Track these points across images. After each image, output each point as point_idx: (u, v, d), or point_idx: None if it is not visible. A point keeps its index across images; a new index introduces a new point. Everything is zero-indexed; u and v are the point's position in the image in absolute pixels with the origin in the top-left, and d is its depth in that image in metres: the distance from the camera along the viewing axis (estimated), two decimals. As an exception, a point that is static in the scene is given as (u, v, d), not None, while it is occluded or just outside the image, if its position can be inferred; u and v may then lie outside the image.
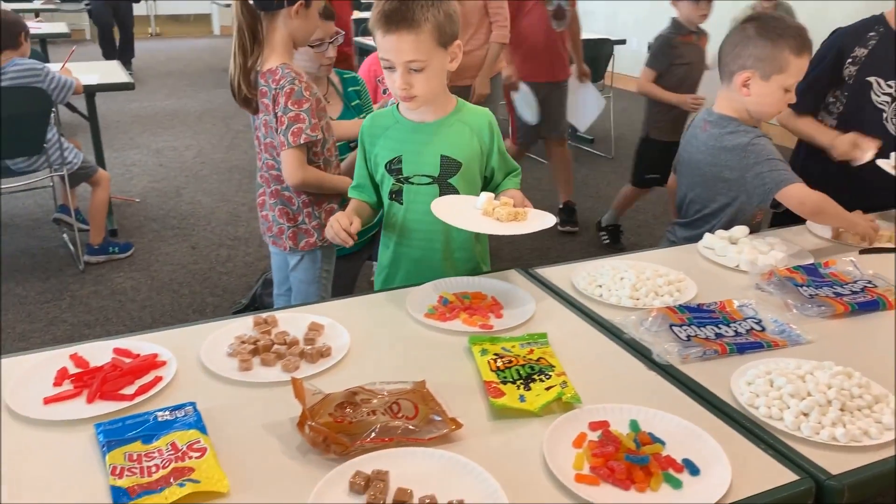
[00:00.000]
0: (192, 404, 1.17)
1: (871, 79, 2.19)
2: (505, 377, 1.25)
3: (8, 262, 3.77)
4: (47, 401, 1.19)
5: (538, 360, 1.30)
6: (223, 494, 0.99)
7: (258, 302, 3.26)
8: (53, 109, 3.53)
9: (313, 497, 0.97)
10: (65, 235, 4.01)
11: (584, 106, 4.53)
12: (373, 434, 1.09)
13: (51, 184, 4.01)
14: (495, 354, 1.32)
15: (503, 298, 1.55)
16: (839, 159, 2.13)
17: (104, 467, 1.04)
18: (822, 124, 2.31)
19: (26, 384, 1.23)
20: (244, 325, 1.43)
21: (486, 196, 1.59)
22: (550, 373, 1.26)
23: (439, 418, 1.12)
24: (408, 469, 1.03)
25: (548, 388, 1.22)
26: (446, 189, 1.70)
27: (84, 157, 3.73)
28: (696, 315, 1.46)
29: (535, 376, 1.25)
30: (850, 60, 2.21)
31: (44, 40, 6.01)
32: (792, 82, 1.89)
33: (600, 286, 1.60)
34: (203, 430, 1.11)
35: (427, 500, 0.97)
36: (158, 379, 1.25)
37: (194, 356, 1.32)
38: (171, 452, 1.06)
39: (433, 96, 1.64)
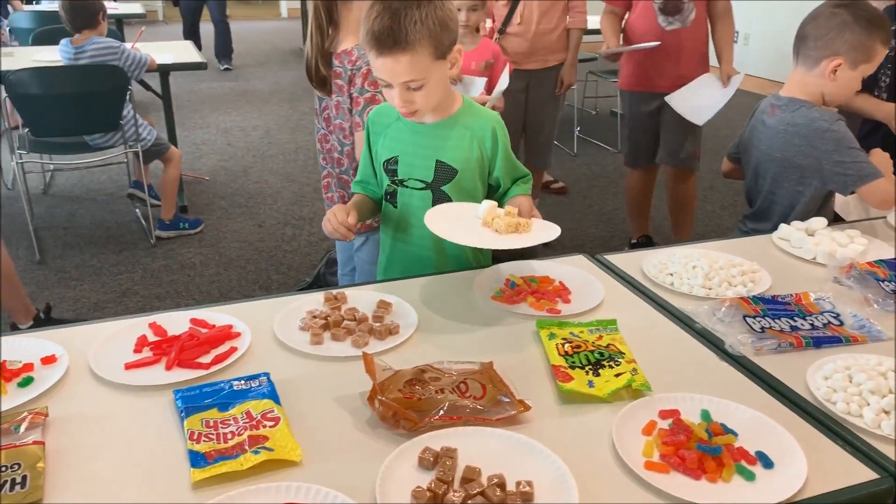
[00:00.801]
0: (266, 375, 1.20)
1: None
2: (573, 362, 1.25)
3: (84, 234, 3.92)
4: (128, 366, 1.23)
5: (607, 346, 1.29)
6: (296, 463, 1.02)
7: (322, 280, 3.32)
8: (129, 87, 3.63)
9: (383, 470, 0.99)
10: (137, 210, 4.14)
11: (704, 95, 3.13)
12: (441, 412, 1.10)
13: (125, 160, 4.14)
14: (563, 339, 1.31)
15: (571, 283, 1.54)
16: None
17: (182, 432, 1.08)
18: (876, 98, 2.38)
19: (108, 350, 1.27)
20: (315, 300, 1.46)
21: (487, 205, 1.49)
22: (620, 360, 1.25)
23: (507, 399, 1.13)
24: (476, 448, 1.04)
25: (617, 375, 1.20)
26: (439, 196, 1.63)
27: (157, 135, 3.84)
28: (771, 307, 1.43)
29: (605, 362, 1.24)
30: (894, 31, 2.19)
31: (119, 20, 6.18)
32: (871, 72, 1.83)
33: (671, 274, 1.57)
34: (277, 400, 1.14)
35: (495, 480, 0.97)
36: (233, 350, 1.28)
37: (267, 329, 1.36)
38: (246, 420, 1.09)
39: (434, 105, 1.56)
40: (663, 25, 3.03)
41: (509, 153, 1.65)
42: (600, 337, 1.33)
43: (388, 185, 1.68)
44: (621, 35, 3.29)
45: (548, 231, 1.47)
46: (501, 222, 1.43)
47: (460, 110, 1.62)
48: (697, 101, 3.07)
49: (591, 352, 1.27)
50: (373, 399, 1.11)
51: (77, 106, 3.50)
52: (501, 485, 0.97)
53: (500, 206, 1.62)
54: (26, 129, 3.59)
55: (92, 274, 3.49)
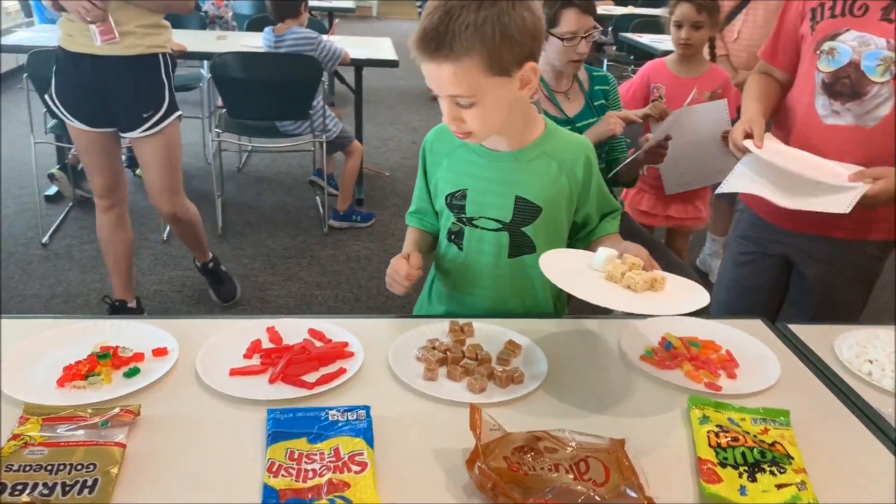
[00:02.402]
0: (367, 409, 1.08)
1: None
2: (726, 458, 1.02)
3: (266, 214, 4.09)
4: (233, 372, 1.17)
5: (773, 444, 1.05)
6: (372, 523, 0.89)
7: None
8: (322, 79, 3.72)
9: (466, 555, 0.83)
10: (318, 198, 4.26)
11: None
12: (549, 495, 0.92)
13: (312, 148, 4.28)
14: (718, 426, 1.08)
15: (740, 354, 1.29)
16: None
17: (264, 458, 0.99)
18: None
19: (219, 350, 1.22)
20: (439, 328, 1.33)
21: (606, 254, 1.23)
22: (786, 465, 1.00)
23: (633, 494, 0.93)
24: (583, 550, 0.86)
25: (779, 487, 0.96)
26: (518, 239, 1.40)
27: (343, 127, 3.91)
28: None
29: (766, 465, 1.00)
30: None
31: (331, 13, 6.46)
32: None
33: (871, 362, 1.28)
34: (370, 441, 1.02)
35: None
36: (342, 371, 1.18)
37: (382, 352, 1.24)
38: (332, 459, 0.98)
39: (494, 130, 1.32)
40: (822, 115, 1.67)
41: (602, 185, 1.45)
42: (766, 430, 1.08)
43: (454, 223, 1.43)
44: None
45: (695, 294, 1.17)
46: (637, 278, 1.17)
47: (542, 136, 1.39)
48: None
49: (751, 448, 1.03)
50: (472, 463, 0.96)
51: (272, 92, 3.64)
52: None
53: (583, 245, 1.45)
54: (224, 110, 3.79)
55: (265, 254, 3.62)
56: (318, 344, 1.26)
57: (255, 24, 4.84)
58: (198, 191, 4.36)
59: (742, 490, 0.96)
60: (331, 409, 1.08)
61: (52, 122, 3.62)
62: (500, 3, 1.18)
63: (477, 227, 1.41)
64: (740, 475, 0.99)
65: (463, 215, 1.42)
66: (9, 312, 1.25)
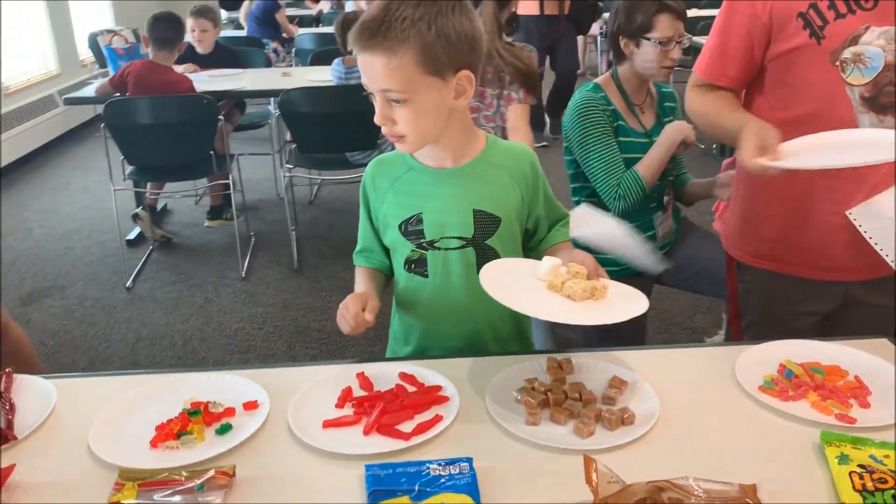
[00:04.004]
0: (469, 461, 1.01)
1: None
2: (875, 503, 0.91)
3: (339, 246, 4.08)
4: (326, 424, 1.12)
5: (928, 486, 0.93)
6: (486, 592, 0.82)
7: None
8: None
9: None
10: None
11: None
12: (681, 554, 0.83)
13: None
14: (861, 465, 0.97)
15: (870, 379, 1.17)
16: None
17: (366, 519, 0.93)
18: None
19: (310, 401, 1.18)
20: (537, 366, 1.25)
21: (550, 263, 1.21)
22: (949, 512, 0.89)
23: (776, 552, 0.83)
24: None
25: (944, 537, 0.85)
26: (484, 252, 1.34)
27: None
28: None
29: (923, 512, 0.89)
30: None
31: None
32: None
33: None
34: (476, 497, 0.95)
35: None
36: (438, 418, 1.12)
37: (478, 395, 1.18)
38: (438, 519, 0.91)
39: (428, 139, 1.28)
40: (860, 109, 1.40)
41: (549, 191, 1.42)
42: (915, 469, 0.97)
43: (413, 250, 1.37)
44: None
45: (635, 302, 1.18)
46: (576, 287, 1.15)
47: (486, 149, 1.36)
48: None
49: (903, 492, 0.92)
50: (591, 519, 0.88)
51: (340, 124, 3.65)
52: None
53: (536, 255, 1.38)
54: (294, 145, 3.82)
55: (340, 286, 3.61)
56: (411, 389, 1.20)
57: (319, 59, 4.90)
58: (272, 226, 4.42)
59: (899, 542, 0.85)
60: (431, 462, 1.01)
61: (129, 169, 3.72)
62: (439, 4, 1.19)
63: (440, 248, 1.36)
64: (895, 524, 0.88)
65: (423, 240, 1.36)
66: (97, 359, 1.23)
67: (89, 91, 4.24)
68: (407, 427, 1.11)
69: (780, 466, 1.01)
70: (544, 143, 5.70)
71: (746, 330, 1.57)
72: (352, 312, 1.27)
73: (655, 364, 1.26)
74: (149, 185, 4.09)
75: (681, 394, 1.17)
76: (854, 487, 0.94)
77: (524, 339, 1.48)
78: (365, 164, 3.90)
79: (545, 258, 1.24)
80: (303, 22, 7.61)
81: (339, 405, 1.17)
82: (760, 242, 1.49)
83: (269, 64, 5.15)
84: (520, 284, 1.22)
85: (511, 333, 1.44)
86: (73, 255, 4.07)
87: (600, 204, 2.09)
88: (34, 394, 1.22)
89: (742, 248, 1.53)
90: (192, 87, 3.77)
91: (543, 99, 5.63)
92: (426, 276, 1.38)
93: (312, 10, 8.36)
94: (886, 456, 0.99)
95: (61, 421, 1.16)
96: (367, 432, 1.10)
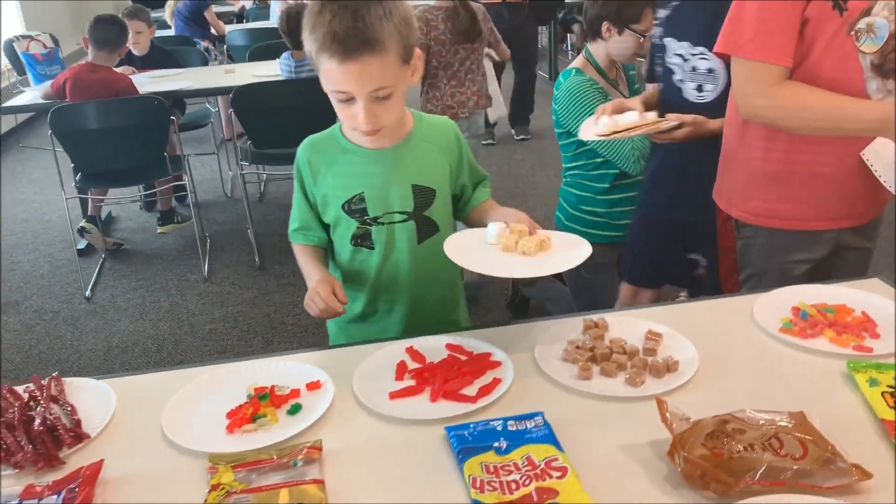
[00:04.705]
0: (541, 414, 1.09)
1: (667, 40, 1.94)
2: (910, 417, 1.03)
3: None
4: (393, 395, 1.17)
5: (949, 397, 1.06)
6: (594, 526, 0.89)
7: (518, 292, 3.21)
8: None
9: (702, 545, 0.84)
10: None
11: None
12: (758, 475, 0.93)
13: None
14: (890, 386, 1.09)
15: (875, 314, 1.30)
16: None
17: (460, 475, 0.99)
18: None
19: (370, 377, 1.22)
20: (573, 326, 1.33)
21: (497, 228, 1.33)
22: (974, 417, 1.01)
23: (842, 464, 0.94)
24: (812, 524, 0.87)
25: (974, 437, 0.98)
26: (424, 224, 1.46)
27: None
28: None
29: (952, 419, 1.01)
30: (656, 21, 2.00)
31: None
32: None
33: None
34: (558, 445, 1.02)
35: (851, 570, 0.80)
36: (497, 381, 1.19)
37: (526, 358, 1.25)
38: (528, 468, 0.98)
39: (396, 120, 1.37)
40: (875, 98, 1.50)
41: (471, 156, 1.53)
42: (934, 385, 1.09)
43: (358, 227, 1.44)
44: None
45: (580, 245, 1.33)
46: (529, 244, 1.29)
47: (415, 125, 1.45)
48: None
49: (931, 405, 1.04)
50: (673, 454, 0.96)
51: (295, 117, 3.63)
52: (860, 578, 0.79)
53: (464, 216, 1.54)
54: (248, 142, 3.79)
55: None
56: (463, 357, 1.27)
57: (258, 54, 4.84)
58: (224, 225, 4.37)
59: (938, 446, 0.97)
60: (508, 419, 1.08)
61: (79, 176, 3.62)
62: None
63: (383, 223, 1.44)
64: (930, 431, 1.00)
65: (367, 217, 1.43)
66: (69, 370, 1.25)
67: (22, 99, 4.10)
68: (470, 391, 1.17)
69: (815, 395, 1.12)
70: (491, 143, 5.56)
71: (745, 283, 1.69)
72: (323, 296, 1.31)
73: (677, 318, 1.36)
74: (90, 191, 3.97)
75: (710, 341, 1.27)
76: (889, 405, 1.05)
77: (456, 295, 1.60)
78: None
79: (491, 224, 1.35)
80: (225, 19, 7.47)
81: (399, 378, 1.22)
82: (764, 202, 1.61)
83: (205, 62, 5.06)
84: (481, 252, 1.32)
85: (446, 295, 1.57)
86: (21, 269, 3.92)
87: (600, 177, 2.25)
88: (89, 395, 1.22)
89: (743, 209, 1.65)
90: (132, 84, 3.69)
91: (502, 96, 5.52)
92: (372, 248, 1.46)
93: (234, 7, 8.21)
94: (907, 377, 1.12)
95: (126, 417, 1.17)
96: (434, 399, 1.16)
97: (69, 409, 1.17)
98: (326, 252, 1.53)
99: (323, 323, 1.56)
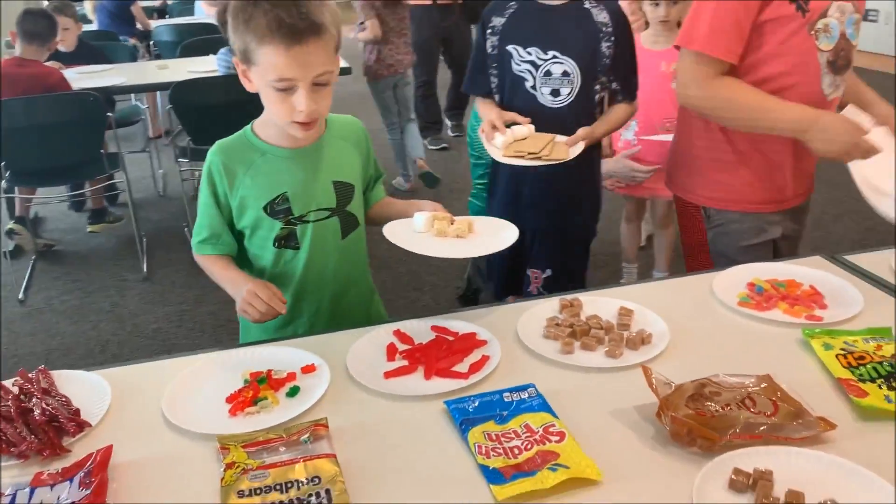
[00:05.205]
0: (533, 385, 1.16)
1: (510, 47, 1.92)
2: (861, 375, 1.14)
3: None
4: (387, 375, 1.22)
5: (893, 356, 1.18)
6: (596, 482, 0.97)
7: (474, 284, 3.29)
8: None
9: (696, 493, 0.92)
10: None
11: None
12: (737, 429, 1.02)
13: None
14: (842, 349, 1.21)
15: (822, 287, 1.43)
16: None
17: (464, 444, 1.05)
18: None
19: (363, 358, 1.26)
20: (550, 307, 1.41)
21: (425, 217, 1.41)
22: (916, 372, 1.14)
23: (809, 418, 1.04)
24: (789, 470, 0.96)
25: (918, 390, 1.10)
26: (346, 219, 1.50)
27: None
28: None
29: (898, 375, 1.13)
30: (489, 31, 1.96)
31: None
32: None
33: (931, 276, 1.44)
34: (553, 413, 1.09)
35: (828, 502, 0.89)
36: (486, 358, 1.25)
37: (510, 336, 1.32)
38: (528, 434, 1.05)
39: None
40: (827, 93, 1.66)
41: (373, 152, 1.59)
42: (879, 347, 1.22)
43: (282, 228, 1.44)
44: None
45: (507, 228, 1.45)
46: (462, 227, 1.40)
47: (328, 126, 1.48)
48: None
49: (879, 363, 1.16)
50: (660, 415, 1.05)
51: (233, 114, 3.59)
52: (835, 511, 0.89)
53: (367, 211, 1.58)
54: (188, 139, 3.72)
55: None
56: (450, 338, 1.32)
57: (190, 50, 4.76)
58: (159, 224, 4.28)
59: (888, 399, 1.09)
60: (503, 391, 1.15)
61: (7, 174, 3.48)
62: None
63: (308, 221, 1.45)
64: (880, 386, 1.12)
65: (291, 217, 1.44)
66: (9, 374, 1.26)
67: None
68: (462, 368, 1.23)
69: (777, 360, 1.23)
70: (444, 146, 5.50)
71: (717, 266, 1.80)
72: (266, 298, 1.32)
73: (643, 296, 1.45)
74: (17, 191, 3.83)
75: (676, 315, 1.37)
76: (843, 366, 1.17)
77: (372, 288, 1.66)
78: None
79: (418, 214, 1.42)
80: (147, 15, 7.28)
81: (391, 359, 1.27)
82: (728, 189, 1.73)
83: (133, 58, 4.93)
84: (422, 239, 1.39)
85: (365, 288, 1.63)
86: (-56, 273, 3.75)
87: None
88: (80, 386, 1.22)
89: (711, 196, 1.77)
90: (64, 79, 3.58)
91: (441, 98, 5.53)
92: (297, 248, 1.47)
93: (155, 2, 8.00)
94: (855, 341, 1.24)
95: (124, 406, 1.18)
96: (427, 376, 1.21)
97: (63, 400, 1.17)
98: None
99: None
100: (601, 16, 1.89)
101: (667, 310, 1.38)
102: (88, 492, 0.95)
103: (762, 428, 1.03)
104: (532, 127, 1.86)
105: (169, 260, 3.81)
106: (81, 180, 3.81)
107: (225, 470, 1.00)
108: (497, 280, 2.25)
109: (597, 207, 2.15)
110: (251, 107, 3.58)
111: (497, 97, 2.01)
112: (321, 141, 1.45)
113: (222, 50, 3.79)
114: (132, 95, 5.16)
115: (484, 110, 1.99)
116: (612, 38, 1.89)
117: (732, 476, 0.95)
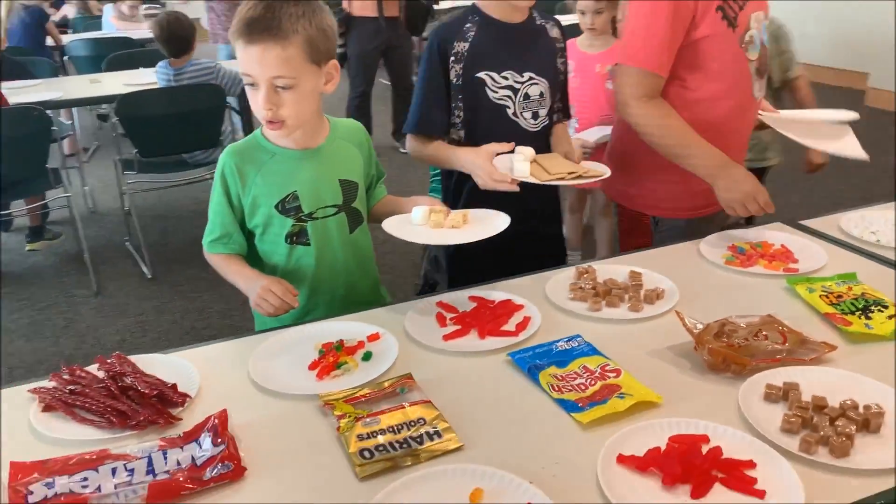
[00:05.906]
0: (580, 336, 1.33)
1: (482, 74, 1.76)
2: (843, 309, 1.39)
3: (185, 249, 4.02)
4: (446, 338, 1.36)
5: (863, 294, 1.43)
6: (657, 405, 1.15)
7: (430, 279, 3.44)
8: (227, 104, 3.76)
9: (742, 404, 1.12)
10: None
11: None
12: (761, 356, 1.23)
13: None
14: (823, 291, 1.45)
15: (791, 246, 1.68)
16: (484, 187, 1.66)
17: (535, 386, 1.21)
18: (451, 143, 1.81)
19: (420, 326, 1.40)
20: (566, 276, 1.59)
21: (422, 211, 1.54)
22: (886, 304, 1.39)
23: (812, 344, 1.27)
24: (809, 383, 1.17)
25: (890, 317, 1.35)
26: (352, 215, 1.61)
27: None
28: None
29: (872, 307, 1.38)
30: (452, 59, 1.75)
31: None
32: None
33: (874, 232, 1.72)
34: (604, 355, 1.27)
35: (848, 402, 1.11)
36: (528, 318, 1.42)
37: (541, 302, 1.49)
38: (588, 374, 1.23)
39: (304, 122, 1.48)
40: (757, 97, 1.85)
41: (374, 153, 1.70)
42: (850, 288, 1.46)
43: (293, 225, 1.55)
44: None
45: (498, 216, 1.56)
46: (457, 219, 1.52)
47: (332, 129, 1.60)
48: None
49: (854, 299, 1.41)
50: (697, 348, 1.25)
51: (180, 125, 3.63)
52: (854, 407, 1.10)
53: (371, 205, 1.70)
54: (135, 151, 3.70)
55: (208, 287, 3.60)
56: (490, 305, 1.48)
57: (116, 64, 4.69)
58: (97, 240, 4.20)
59: (868, 326, 1.33)
60: (555, 341, 1.32)
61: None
62: (313, 3, 1.42)
63: (318, 218, 1.56)
64: (859, 317, 1.36)
65: (301, 214, 1.54)
66: None
67: None
68: (509, 327, 1.39)
69: (770, 304, 1.45)
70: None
71: None
72: (279, 293, 1.41)
73: (644, 262, 1.65)
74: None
75: (676, 276, 1.57)
76: (828, 303, 1.41)
77: (377, 277, 1.76)
78: (209, 162, 3.91)
79: (416, 209, 1.54)
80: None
81: (442, 325, 1.42)
82: (675, 199, 1.87)
83: (55, 73, 4.81)
84: (420, 230, 1.52)
85: (373, 278, 1.74)
86: None
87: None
88: (162, 368, 1.30)
89: (660, 207, 1.91)
90: (0, 94, 3.50)
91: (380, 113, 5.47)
92: (309, 245, 1.57)
93: (54, 17, 7.73)
94: (830, 284, 1.48)
95: (211, 381, 1.27)
96: (482, 336, 1.37)
97: (154, 379, 1.25)
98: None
99: (245, 323, 1.58)
100: (553, 31, 1.87)
101: (667, 272, 1.59)
102: (224, 447, 1.06)
103: (780, 353, 1.25)
104: (530, 150, 1.71)
105: (118, 273, 3.77)
106: (26, 196, 3.71)
107: (339, 419, 1.12)
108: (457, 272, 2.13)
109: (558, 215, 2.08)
110: (196, 118, 3.64)
111: (462, 132, 1.81)
112: (327, 142, 1.57)
113: (161, 63, 3.80)
114: (59, 111, 5.02)
115: (460, 156, 1.73)
116: (563, 55, 1.90)
117: (766, 390, 1.16)
